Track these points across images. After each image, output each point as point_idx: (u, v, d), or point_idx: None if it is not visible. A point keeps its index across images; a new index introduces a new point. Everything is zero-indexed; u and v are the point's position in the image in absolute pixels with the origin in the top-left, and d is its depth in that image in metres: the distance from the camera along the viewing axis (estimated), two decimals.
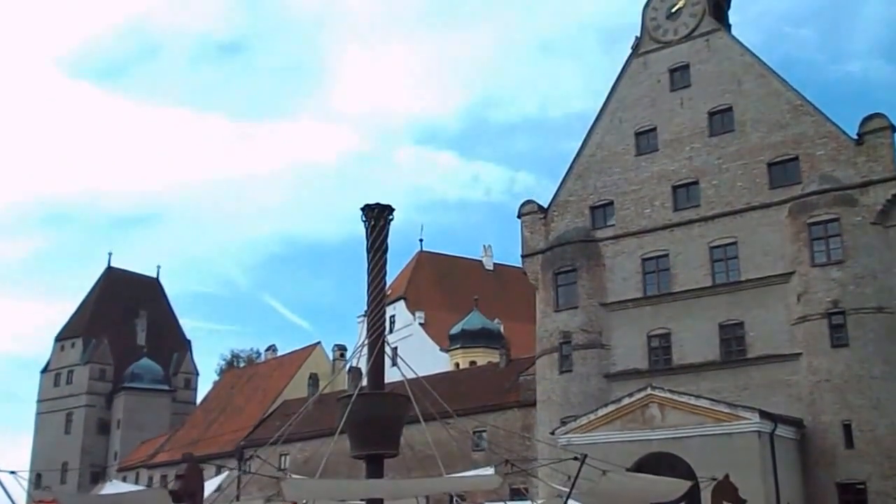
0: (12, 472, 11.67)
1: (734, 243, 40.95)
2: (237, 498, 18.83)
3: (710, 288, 41.13)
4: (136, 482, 67.23)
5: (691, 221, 42.21)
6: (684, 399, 35.81)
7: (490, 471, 13.42)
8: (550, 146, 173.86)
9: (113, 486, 16.47)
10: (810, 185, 39.34)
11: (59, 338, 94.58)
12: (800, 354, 38.01)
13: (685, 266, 41.98)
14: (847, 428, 36.09)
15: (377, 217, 13.76)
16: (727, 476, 14.13)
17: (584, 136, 46.75)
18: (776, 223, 39.85)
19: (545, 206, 47.11)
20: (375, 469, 13.08)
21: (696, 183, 42.53)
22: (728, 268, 41.04)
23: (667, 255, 42.60)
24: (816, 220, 38.69)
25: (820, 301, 37.74)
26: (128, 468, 78.74)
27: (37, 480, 73.05)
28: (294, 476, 17.59)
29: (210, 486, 12.02)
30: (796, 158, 40.17)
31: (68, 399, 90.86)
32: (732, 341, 40.17)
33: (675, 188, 43.08)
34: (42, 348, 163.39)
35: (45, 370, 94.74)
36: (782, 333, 38.77)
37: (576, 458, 12.01)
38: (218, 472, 18.24)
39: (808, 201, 39.09)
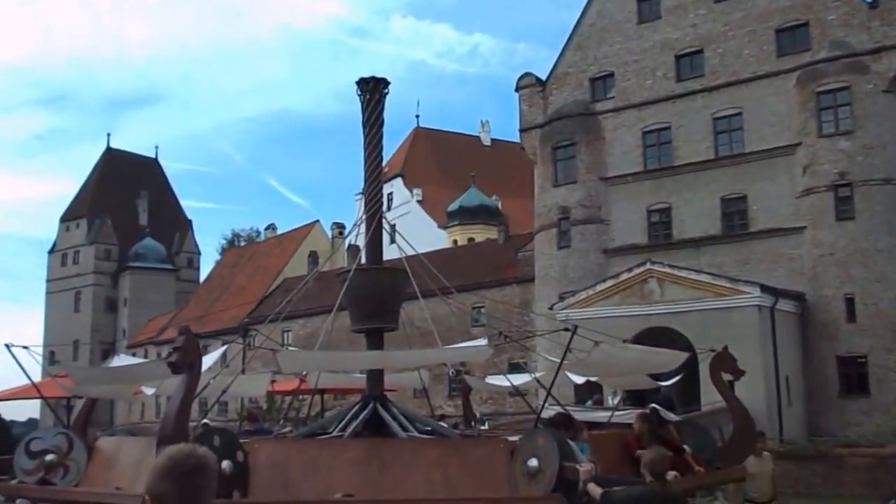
0: (25, 347, 12.52)
1: (739, 114, 39.83)
2: (242, 371, 19.49)
3: (713, 161, 40.19)
4: (145, 358, 67.75)
5: (694, 92, 40.99)
6: (684, 274, 35.37)
7: (483, 342, 13.29)
8: (550, 15, 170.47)
9: (121, 360, 17.24)
10: (820, 51, 37.91)
11: (64, 218, 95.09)
12: (804, 228, 37.28)
13: (687, 139, 40.97)
14: (850, 302, 35.66)
15: (372, 91, 13.63)
16: (726, 347, 13.83)
17: (583, 4, 45.13)
18: (783, 93, 38.60)
19: (543, 78, 45.87)
20: (375, 343, 13.26)
21: (700, 52, 41.12)
22: (732, 140, 40.12)
23: (668, 128, 41.62)
24: (825, 88, 37.44)
25: (826, 173, 36.81)
26: (136, 345, 79.90)
27: (50, 356, 73.84)
28: (290, 348, 18.09)
29: (209, 359, 12.41)
30: (806, 24, 38.61)
31: (75, 279, 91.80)
32: (734, 215, 39.49)
33: (678, 57, 41.72)
34: (50, 228, 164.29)
35: (52, 251, 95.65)
36: (786, 207, 37.99)
37: (567, 330, 11.89)
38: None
39: (817, 69, 37.76)
